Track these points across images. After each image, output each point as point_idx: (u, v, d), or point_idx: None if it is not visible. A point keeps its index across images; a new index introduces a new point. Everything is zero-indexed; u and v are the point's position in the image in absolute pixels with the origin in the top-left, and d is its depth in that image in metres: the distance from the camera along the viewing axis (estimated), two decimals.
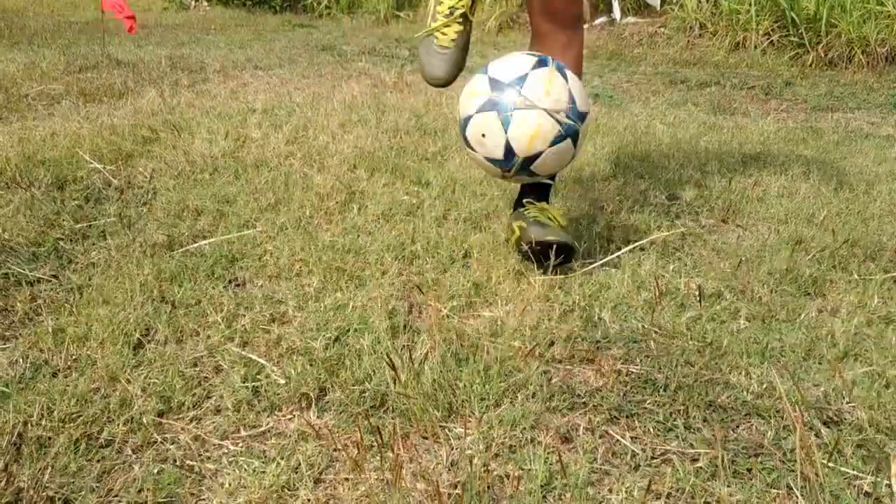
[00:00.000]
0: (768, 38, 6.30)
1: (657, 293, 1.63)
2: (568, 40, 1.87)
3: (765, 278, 1.76)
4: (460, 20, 1.95)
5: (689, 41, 6.68)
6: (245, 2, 10.14)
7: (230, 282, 1.68)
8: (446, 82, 1.94)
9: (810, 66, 5.86)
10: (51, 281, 1.64)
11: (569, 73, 1.65)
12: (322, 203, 2.12)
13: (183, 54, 5.04)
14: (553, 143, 1.59)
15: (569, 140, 1.61)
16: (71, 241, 1.84)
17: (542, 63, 1.64)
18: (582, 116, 1.63)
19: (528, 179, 1.73)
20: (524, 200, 1.84)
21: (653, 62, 5.97)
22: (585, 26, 7.56)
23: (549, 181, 1.88)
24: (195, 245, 1.82)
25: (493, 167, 1.66)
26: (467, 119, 1.65)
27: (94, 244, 1.83)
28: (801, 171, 2.66)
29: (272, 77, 4.30)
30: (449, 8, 1.93)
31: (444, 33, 1.94)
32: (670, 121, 3.53)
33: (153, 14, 9.41)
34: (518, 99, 1.58)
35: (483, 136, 1.61)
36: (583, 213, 2.14)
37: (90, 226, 1.92)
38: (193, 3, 10.26)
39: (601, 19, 7.72)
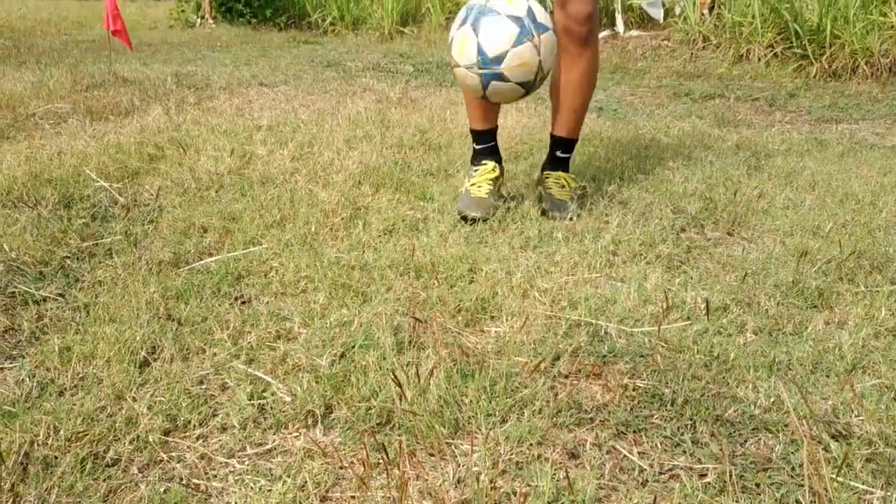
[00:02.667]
0: (772, 50, 6.31)
1: (663, 307, 1.62)
2: (578, 53, 2.22)
3: (771, 291, 1.75)
4: (493, 179, 2.34)
5: (692, 53, 6.70)
6: (250, 19, 10.22)
7: (236, 299, 1.68)
8: (483, 220, 2.20)
9: (814, 77, 5.87)
10: (57, 299, 1.65)
11: (481, 24, 1.91)
12: (327, 219, 2.12)
13: (189, 71, 5.07)
14: (484, 88, 1.95)
15: (493, 81, 1.92)
16: (77, 259, 1.85)
17: (463, 23, 1.95)
18: (497, 60, 1.90)
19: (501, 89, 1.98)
20: (544, 171, 2.36)
21: (657, 75, 5.98)
22: None
23: (564, 154, 2.35)
24: (201, 262, 1.82)
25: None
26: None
27: (100, 262, 1.83)
28: (806, 183, 2.65)
29: (277, 94, 4.32)
30: (481, 176, 2.34)
31: (479, 187, 2.29)
32: (675, 133, 3.54)
33: (159, 31, 9.48)
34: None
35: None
36: (587, 227, 2.13)
37: (97, 244, 1.93)
38: (199, 20, 10.34)
39: (605, 32, 7.75)
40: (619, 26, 7.71)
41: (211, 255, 1.88)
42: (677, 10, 7.37)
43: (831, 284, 1.79)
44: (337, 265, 1.81)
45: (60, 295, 1.67)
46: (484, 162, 2.37)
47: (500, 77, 1.91)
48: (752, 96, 4.95)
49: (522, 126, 3.50)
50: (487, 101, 2.05)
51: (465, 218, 2.17)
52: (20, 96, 3.85)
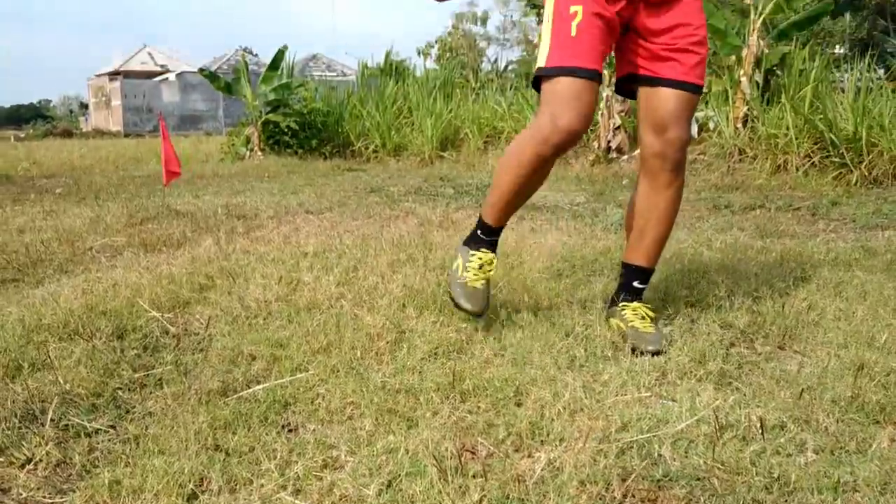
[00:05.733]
0: (809, 160, 6.35)
1: (717, 426, 1.58)
2: (670, 181, 2.19)
3: (829, 407, 1.70)
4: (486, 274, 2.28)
5: (729, 166, 6.77)
6: (297, 150, 10.67)
7: (283, 427, 1.68)
8: (476, 315, 2.23)
9: (855, 184, 5.85)
10: (108, 431, 1.67)
11: None
12: (373, 343, 2.14)
13: (238, 202, 5.27)
14: None
15: None
16: (129, 390, 1.88)
17: None
18: None
19: None
20: (620, 301, 2.27)
21: (695, 188, 6.03)
22: (625, 157, 7.73)
23: (642, 285, 2.28)
24: (249, 391, 1.84)
25: None
26: None
27: (151, 393, 1.86)
28: (856, 293, 2.61)
29: (323, 220, 4.46)
30: (479, 266, 2.27)
31: (474, 277, 2.25)
32: (717, 246, 3.53)
33: (211, 164, 9.93)
34: None
35: None
36: None
37: (148, 374, 1.97)
38: (248, 152, 10.82)
39: None
40: None
41: (259, 382, 1.90)
42: (711, 125, 7.50)
43: (892, 398, 1.73)
44: (383, 390, 1.81)
45: (112, 426, 1.69)
46: (483, 250, 2.28)
47: None
48: (793, 206, 4.94)
49: (563, 244, 3.53)
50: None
51: (459, 307, 2.20)
52: (79, 231, 4.04)
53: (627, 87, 2.24)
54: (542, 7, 2.21)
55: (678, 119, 2.13)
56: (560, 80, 2.02)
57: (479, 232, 2.31)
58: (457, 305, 2.22)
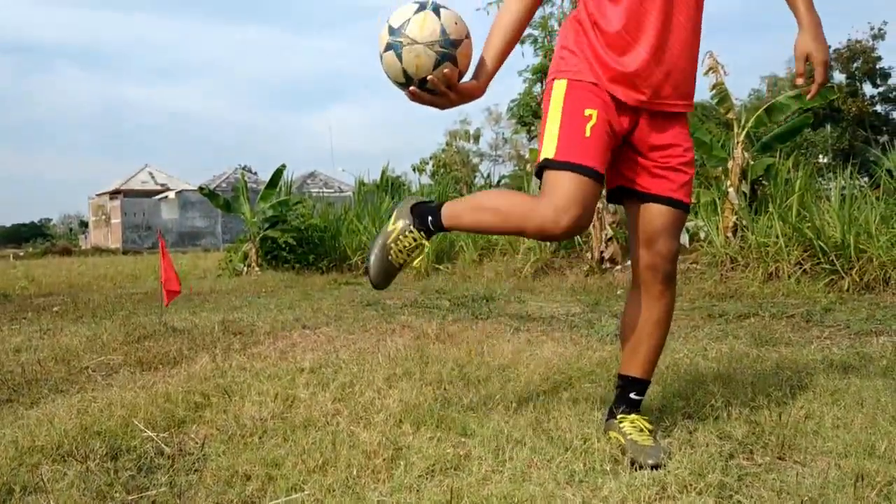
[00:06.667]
0: (801, 267, 6.44)
1: None
2: (661, 292, 2.21)
3: None
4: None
5: (721, 275, 6.85)
6: (294, 265, 10.76)
7: None
8: (379, 287, 2.37)
9: (847, 291, 5.92)
10: None
11: (442, 12, 2.05)
12: (369, 461, 2.12)
13: (235, 318, 5.29)
14: (434, 68, 2.04)
15: (448, 63, 2.05)
16: None
17: (421, 7, 2.06)
18: (454, 44, 2.05)
19: (431, 98, 2.11)
20: (618, 413, 2.26)
21: (689, 297, 6.08)
22: (619, 267, 7.83)
23: (638, 397, 2.29)
24: None
25: (403, 89, 2.10)
26: (380, 56, 2.10)
27: None
28: (853, 400, 2.61)
29: (319, 335, 4.47)
30: (410, 248, 2.32)
31: (398, 254, 2.32)
32: (713, 356, 3.54)
33: (208, 281, 10.00)
34: (403, 38, 2.04)
35: (388, 70, 2.10)
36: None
37: (142, 496, 1.94)
38: (246, 268, 10.92)
39: None
40: None
41: (254, 503, 1.87)
42: (702, 235, 7.64)
43: None
44: None
45: None
46: (423, 234, 2.28)
47: (454, 60, 2.06)
48: (786, 313, 4.98)
49: (559, 355, 3.54)
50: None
51: (367, 271, 2.35)
52: (75, 350, 4.03)
53: (615, 198, 2.29)
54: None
55: (668, 232, 2.17)
56: (571, 176, 2.02)
57: (430, 219, 2.28)
58: (366, 269, 2.34)
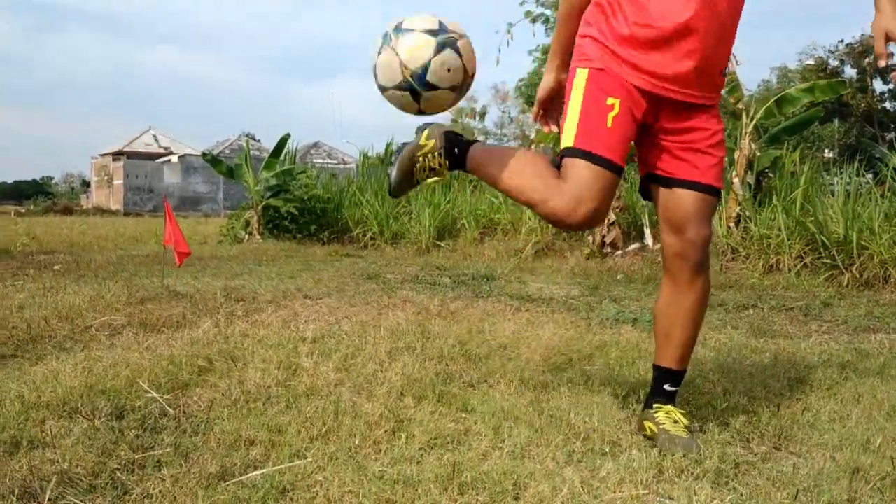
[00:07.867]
0: (801, 261, 6.46)
1: None
2: (692, 281, 2.15)
3: None
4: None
5: (722, 265, 6.87)
6: (295, 234, 10.78)
7: None
8: (395, 195, 2.42)
9: (846, 286, 5.95)
10: None
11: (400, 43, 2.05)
12: (371, 432, 2.14)
13: (237, 285, 5.32)
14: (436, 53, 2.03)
15: (448, 49, 2.05)
16: (128, 471, 1.88)
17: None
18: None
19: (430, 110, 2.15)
20: (654, 403, 2.22)
21: None
22: (619, 252, 7.85)
23: (673, 388, 2.24)
24: (247, 476, 1.84)
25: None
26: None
27: (149, 474, 1.86)
28: (850, 395, 2.64)
29: (321, 306, 4.49)
30: (433, 168, 2.33)
31: (421, 168, 2.33)
32: (712, 345, 3.57)
33: (209, 247, 10.01)
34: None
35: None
36: (631, 442, 2.13)
37: (147, 456, 1.97)
38: (247, 236, 10.93)
39: (634, 245, 8.02)
40: (648, 239, 7.98)
41: (257, 468, 1.90)
42: None
43: (889, 503, 1.74)
44: (381, 480, 1.81)
45: None
46: (448, 164, 2.31)
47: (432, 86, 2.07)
48: (785, 306, 5.01)
49: (560, 337, 3.57)
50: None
51: (389, 175, 2.35)
52: (78, 309, 4.05)
53: (645, 191, 2.24)
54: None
55: (697, 218, 2.11)
56: (590, 167, 2.00)
57: (456, 151, 2.30)
58: (388, 174, 2.35)
